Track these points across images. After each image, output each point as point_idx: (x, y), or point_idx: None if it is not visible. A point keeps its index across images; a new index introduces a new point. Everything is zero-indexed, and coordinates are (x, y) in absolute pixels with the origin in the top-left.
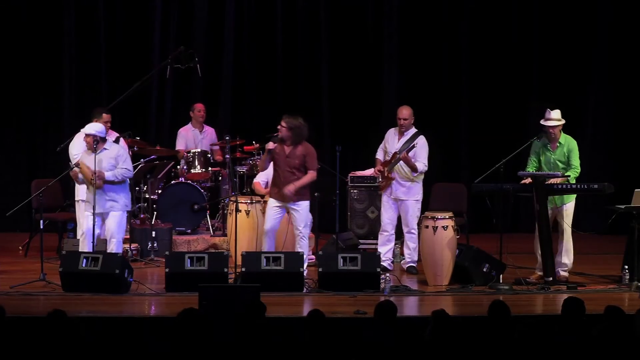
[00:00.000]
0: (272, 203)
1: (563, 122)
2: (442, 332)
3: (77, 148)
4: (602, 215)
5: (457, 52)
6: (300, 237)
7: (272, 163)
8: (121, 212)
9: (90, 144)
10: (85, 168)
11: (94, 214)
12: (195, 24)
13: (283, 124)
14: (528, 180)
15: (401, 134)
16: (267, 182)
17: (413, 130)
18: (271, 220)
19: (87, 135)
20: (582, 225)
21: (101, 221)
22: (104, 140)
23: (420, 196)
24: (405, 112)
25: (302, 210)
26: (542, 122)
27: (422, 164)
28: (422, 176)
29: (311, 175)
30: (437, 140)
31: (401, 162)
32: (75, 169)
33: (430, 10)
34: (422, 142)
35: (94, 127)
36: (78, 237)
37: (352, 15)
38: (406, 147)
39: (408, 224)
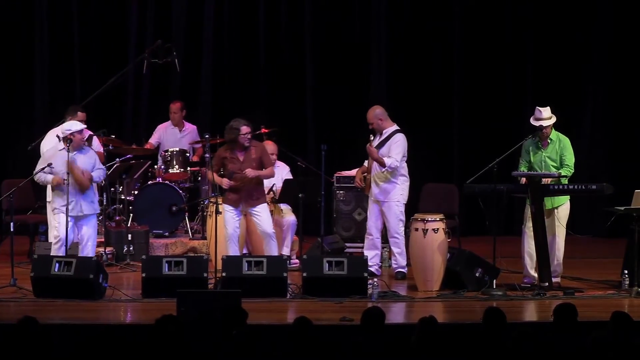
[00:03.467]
0: (228, 209)
1: (554, 119)
2: (429, 339)
3: (48, 147)
4: (600, 218)
5: (449, 48)
6: (270, 239)
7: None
8: (95, 214)
9: (82, 141)
10: (78, 170)
11: (66, 216)
12: (173, 16)
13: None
14: (524, 181)
15: (380, 134)
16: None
17: (392, 128)
18: (231, 225)
19: (80, 131)
20: (579, 228)
21: (73, 225)
22: None
23: (401, 198)
24: (368, 115)
25: (264, 212)
26: (533, 122)
27: (392, 159)
28: (403, 177)
29: (270, 171)
30: (428, 139)
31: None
32: (55, 176)
33: (420, 6)
34: (397, 139)
35: (81, 124)
36: (50, 241)
37: (338, 9)
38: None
39: (390, 229)
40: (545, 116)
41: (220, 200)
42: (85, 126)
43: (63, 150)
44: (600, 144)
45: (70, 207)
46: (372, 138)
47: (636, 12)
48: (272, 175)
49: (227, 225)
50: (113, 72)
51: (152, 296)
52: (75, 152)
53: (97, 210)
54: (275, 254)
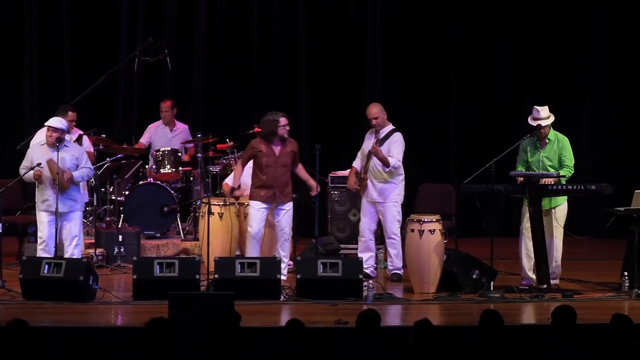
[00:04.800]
0: (257, 205)
1: (553, 119)
2: (425, 343)
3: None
4: (599, 218)
5: (445, 47)
6: (285, 239)
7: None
8: (80, 212)
9: (56, 139)
10: (54, 165)
11: (56, 217)
12: (165, 13)
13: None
14: (521, 181)
15: (377, 133)
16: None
17: (389, 127)
18: (258, 223)
19: (54, 129)
20: (578, 228)
21: (52, 223)
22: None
23: (399, 198)
24: (373, 110)
25: (289, 210)
26: (531, 122)
27: (394, 159)
28: (400, 177)
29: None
30: (424, 139)
31: (374, 160)
32: (38, 168)
33: (416, 6)
34: (397, 138)
35: (61, 122)
36: (40, 247)
37: (332, 7)
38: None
39: (387, 229)
40: (543, 115)
41: (222, 201)
42: (63, 124)
43: (44, 145)
44: (599, 143)
45: (47, 203)
46: (379, 136)
47: (636, 12)
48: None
49: (252, 224)
50: (103, 71)
51: (143, 298)
52: (53, 150)
53: (76, 209)
54: (288, 255)
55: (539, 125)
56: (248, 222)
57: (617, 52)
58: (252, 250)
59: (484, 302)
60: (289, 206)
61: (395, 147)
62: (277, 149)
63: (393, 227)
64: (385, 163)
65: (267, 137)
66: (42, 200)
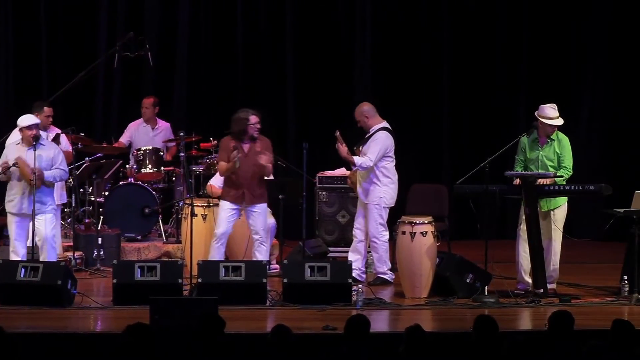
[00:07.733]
0: (226, 206)
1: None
2: (417, 350)
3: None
4: (598, 220)
5: (438, 43)
6: (260, 242)
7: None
8: (52, 214)
9: (33, 136)
10: (25, 166)
11: (33, 219)
12: (146, 7)
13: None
14: (518, 181)
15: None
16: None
17: (378, 126)
18: (225, 224)
19: (28, 127)
20: (576, 231)
21: (20, 224)
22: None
23: (382, 201)
24: (355, 112)
25: (262, 212)
26: (545, 120)
27: (365, 159)
28: (387, 179)
29: (270, 168)
30: (416, 138)
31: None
32: (13, 168)
33: (408, 3)
34: (377, 137)
35: (31, 118)
36: (10, 249)
37: (321, 3)
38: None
39: (369, 231)
40: (554, 115)
41: (206, 202)
42: (37, 121)
43: (19, 144)
44: (599, 143)
45: (12, 204)
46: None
47: (634, 9)
48: (270, 173)
49: (219, 224)
50: (82, 67)
51: (124, 303)
52: (30, 148)
53: (44, 211)
54: (266, 258)
55: (552, 125)
56: (215, 222)
57: (616, 50)
58: (216, 254)
59: (478, 307)
60: (261, 207)
61: (373, 146)
62: (246, 147)
63: (374, 230)
64: (351, 163)
65: (237, 135)
66: (8, 200)
